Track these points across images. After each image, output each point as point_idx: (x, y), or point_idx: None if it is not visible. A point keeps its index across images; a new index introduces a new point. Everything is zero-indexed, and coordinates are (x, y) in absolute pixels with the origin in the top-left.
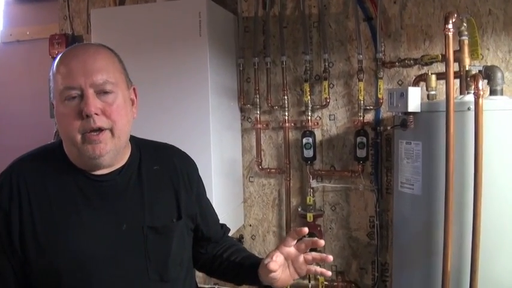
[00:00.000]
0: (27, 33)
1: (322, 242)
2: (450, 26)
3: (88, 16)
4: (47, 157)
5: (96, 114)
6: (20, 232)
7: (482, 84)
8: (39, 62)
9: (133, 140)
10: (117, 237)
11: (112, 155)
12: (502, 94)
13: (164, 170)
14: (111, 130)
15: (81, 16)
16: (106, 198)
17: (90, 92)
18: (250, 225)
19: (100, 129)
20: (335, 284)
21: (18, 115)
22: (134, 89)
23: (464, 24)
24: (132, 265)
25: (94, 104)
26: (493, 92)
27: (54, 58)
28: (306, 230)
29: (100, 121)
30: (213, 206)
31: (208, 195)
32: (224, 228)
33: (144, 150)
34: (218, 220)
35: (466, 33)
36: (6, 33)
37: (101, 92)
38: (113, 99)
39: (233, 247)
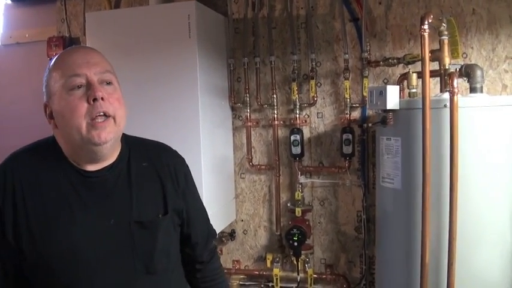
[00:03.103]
0: (27, 35)
1: None
2: (426, 26)
3: (84, 19)
4: (40, 152)
5: (102, 99)
6: (13, 224)
7: (459, 82)
8: (39, 63)
9: (123, 137)
10: (105, 232)
11: (112, 143)
12: (482, 92)
13: (152, 166)
14: (114, 118)
15: (78, 19)
16: (96, 194)
17: (95, 80)
18: (242, 220)
19: (105, 115)
20: (324, 276)
21: (19, 116)
22: None
23: (444, 24)
24: (119, 258)
25: (100, 89)
26: (472, 90)
27: (51, 59)
28: None
29: (105, 106)
30: (204, 202)
31: (198, 192)
32: (208, 233)
33: (134, 148)
34: (207, 225)
35: (446, 33)
36: (6, 36)
37: (103, 82)
38: (113, 89)
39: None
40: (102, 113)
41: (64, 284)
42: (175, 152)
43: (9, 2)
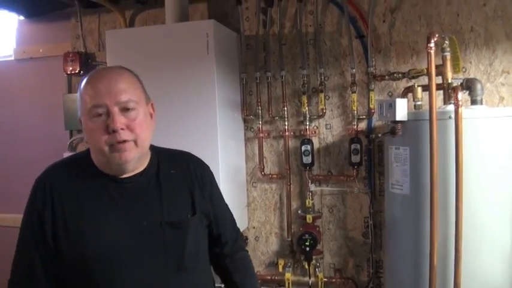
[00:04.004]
0: (40, 50)
1: None
2: (432, 44)
3: (99, 35)
4: (76, 164)
5: (122, 129)
6: (52, 230)
7: (461, 95)
8: (52, 78)
9: (152, 148)
10: (138, 232)
11: (136, 160)
12: (481, 104)
13: (180, 173)
14: (135, 141)
15: (93, 35)
16: (129, 198)
17: (115, 110)
18: (254, 228)
19: (125, 141)
20: (333, 280)
21: (33, 128)
22: (152, 104)
23: (446, 42)
24: (152, 257)
25: (119, 120)
26: (473, 102)
27: (68, 75)
28: None
29: (125, 135)
30: None
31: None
32: (236, 233)
33: (162, 157)
34: (233, 225)
35: (448, 49)
36: (20, 51)
37: (125, 109)
38: (135, 115)
39: (242, 280)
40: (121, 141)
41: (99, 282)
42: (200, 159)
43: (22, 18)
